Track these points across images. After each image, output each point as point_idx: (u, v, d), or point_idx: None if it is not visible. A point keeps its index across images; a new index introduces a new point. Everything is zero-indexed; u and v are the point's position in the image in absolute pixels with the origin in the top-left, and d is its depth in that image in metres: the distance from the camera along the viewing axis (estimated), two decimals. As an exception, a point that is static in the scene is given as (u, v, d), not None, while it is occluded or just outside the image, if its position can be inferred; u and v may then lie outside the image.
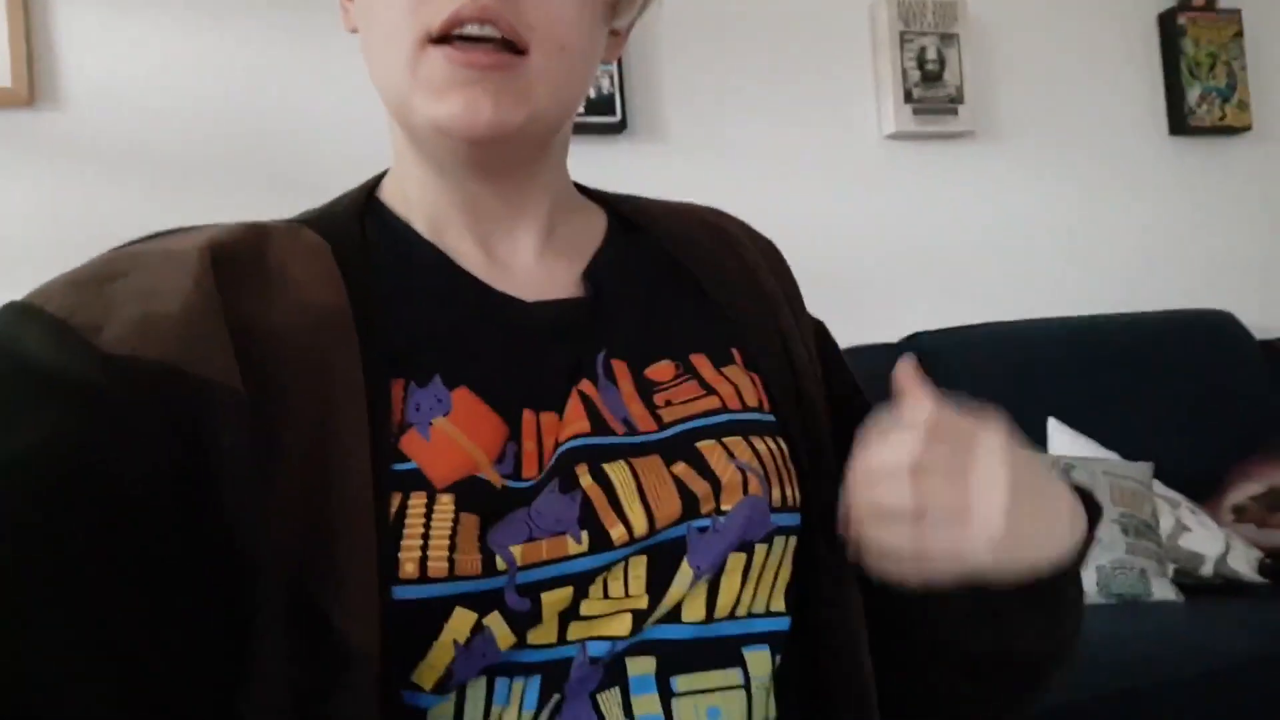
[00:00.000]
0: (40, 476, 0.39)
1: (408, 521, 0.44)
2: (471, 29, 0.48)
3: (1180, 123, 2.44)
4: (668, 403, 0.53)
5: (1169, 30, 2.45)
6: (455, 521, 0.45)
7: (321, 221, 0.54)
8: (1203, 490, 1.99)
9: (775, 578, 0.53)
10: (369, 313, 0.49)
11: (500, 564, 0.45)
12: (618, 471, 0.49)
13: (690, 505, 0.49)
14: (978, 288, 2.28)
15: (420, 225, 0.55)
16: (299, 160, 1.89)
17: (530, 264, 0.56)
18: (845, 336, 2.33)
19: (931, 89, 2.21)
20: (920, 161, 2.26)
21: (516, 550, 0.45)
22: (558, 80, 0.51)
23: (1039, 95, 2.36)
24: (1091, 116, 2.41)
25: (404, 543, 0.44)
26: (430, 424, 0.47)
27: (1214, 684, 1.31)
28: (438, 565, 0.44)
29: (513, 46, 0.49)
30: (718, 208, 0.67)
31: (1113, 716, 1.28)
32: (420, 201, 0.56)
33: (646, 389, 0.54)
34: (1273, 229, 2.55)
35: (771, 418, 0.55)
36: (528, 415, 0.50)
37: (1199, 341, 2.28)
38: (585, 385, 0.52)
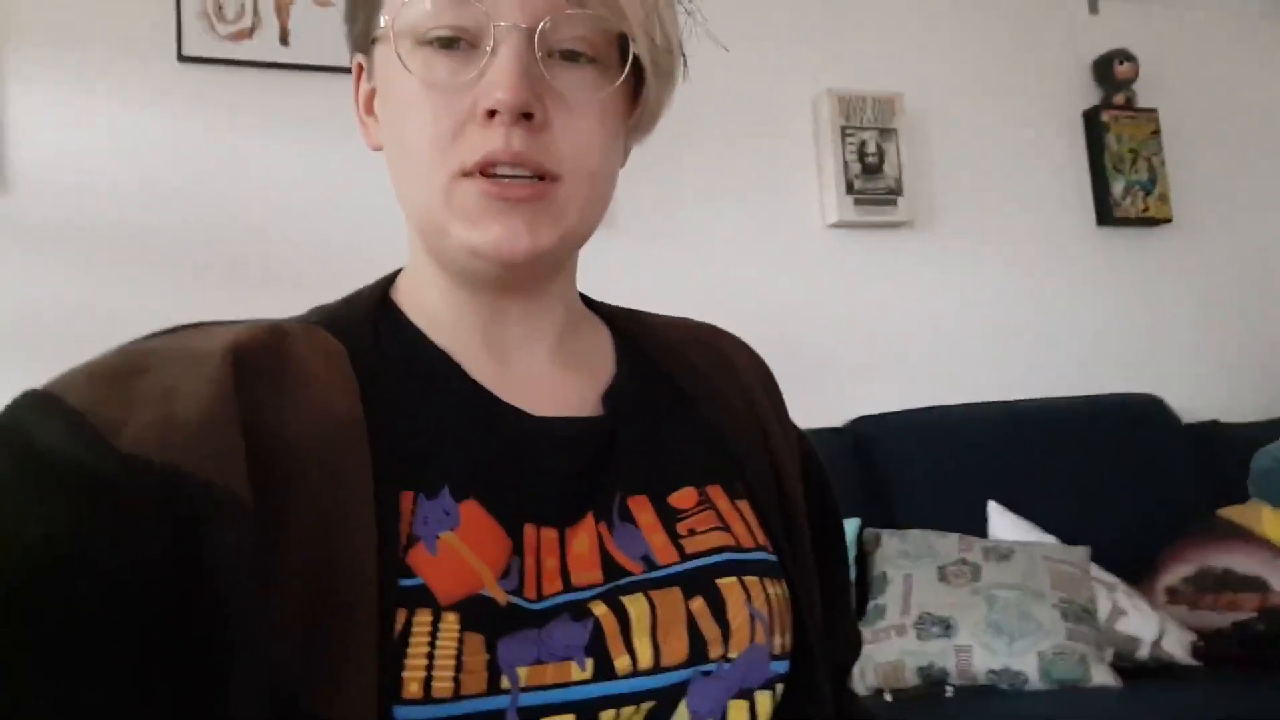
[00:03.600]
0: (44, 569, 0.40)
1: (412, 640, 0.44)
2: (504, 170, 0.50)
3: (1106, 214, 2.56)
4: (691, 531, 0.54)
5: (1093, 126, 2.58)
6: (460, 641, 0.45)
7: (336, 322, 0.54)
8: (1137, 572, 2.04)
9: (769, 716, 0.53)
10: (381, 421, 0.49)
11: (505, 684, 0.45)
12: (634, 604, 0.50)
13: (698, 649, 0.50)
14: (919, 372, 2.34)
15: (433, 332, 0.56)
16: (260, 246, 1.89)
17: (541, 377, 0.57)
18: (803, 417, 2.37)
19: (871, 180, 2.30)
20: (862, 250, 2.34)
21: (523, 671, 0.46)
22: (585, 203, 0.54)
23: (973, 187, 2.47)
24: (1023, 207, 2.52)
25: (408, 661, 0.44)
26: (437, 538, 0.48)
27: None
28: (443, 685, 0.44)
29: (541, 180, 0.51)
30: (714, 324, 0.69)
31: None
32: (436, 309, 0.56)
33: (670, 517, 0.54)
34: (1196, 315, 2.67)
35: (775, 559, 0.56)
36: (530, 530, 0.50)
37: (1129, 425, 2.36)
38: (599, 527, 0.52)
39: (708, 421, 0.60)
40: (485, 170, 0.50)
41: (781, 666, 0.54)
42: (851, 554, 1.82)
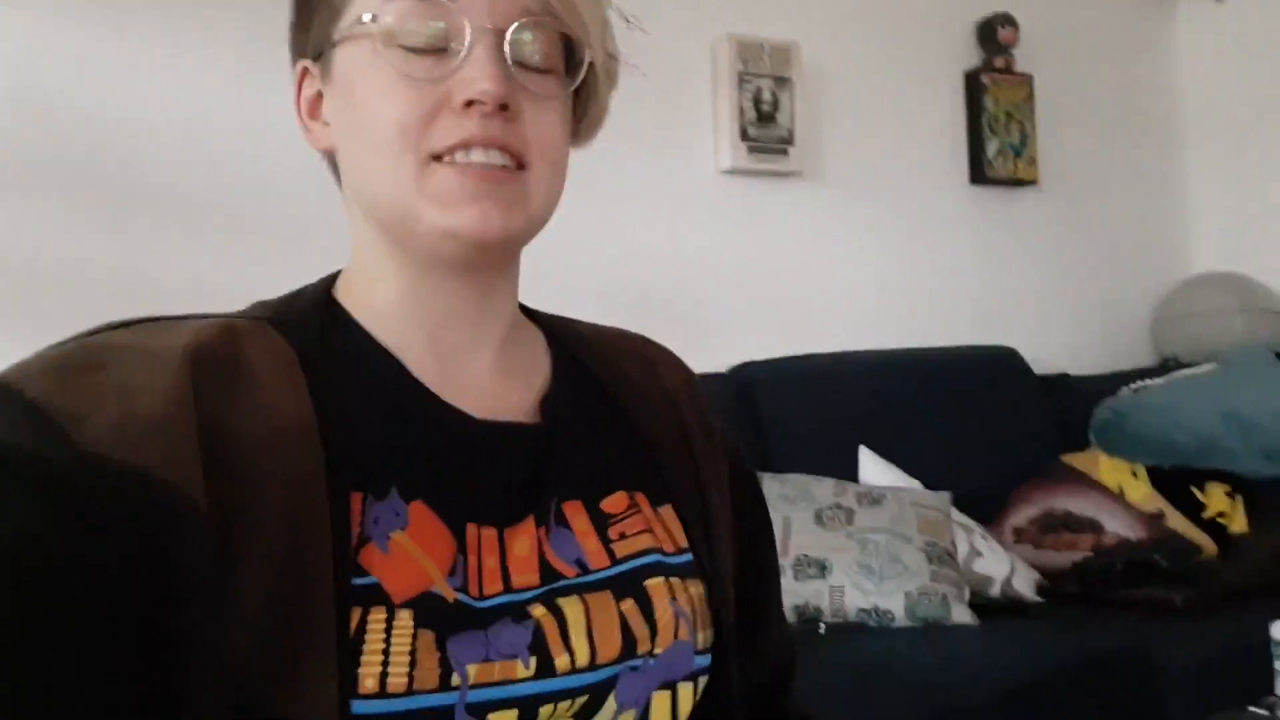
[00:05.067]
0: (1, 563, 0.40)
1: (368, 637, 0.47)
2: (476, 154, 0.53)
3: (980, 173, 2.67)
4: (621, 535, 0.58)
5: (973, 87, 2.68)
6: (414, 638, 0.48)
7: (283, 321, 0.55)
8: (990, 514, 2.20)
9: (692, 713, 0.58)
10: (332, 423, 0.50)
11: (455, 680, 0.48)
12: (570, 606, 0.54)
13: (629, 646, 0.55)
14: (802, 320, 2.41)
15: (380, 333, 0.58)
16: (118, 161, 1.75)
17: (484, 381, 0.59)
18: (688, 362, 2.38)
19: (765, 129, 2.32)
20: (752, 198, 2.36)
21: (472, 669, 0.49)
22: (547, 190, 0.57)
23: (859, 140, 2.52)
24: (904, 163, 2.60)
25: (364, 658, 0.46)
26: (388, 538, 0.50)
27: (1009, 705, 1.46)
28: (397, 681, 0.46)
29: (515, 166, 0.55)
30: (643, 335, 0.72)
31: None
32: (384, 309, 0.58)
33: (601, 521, 0.58)
34: (1052, 274, 2.84)
35: (690, 559, 0.61)
36: (473, 530, 0.53)
37: (988, 376, 2.51)
38: (537, 531, 0.56)
39: (636, 429, 0.63)
40: (456, 155, 0.53)
41: (704, 660, 0.58)
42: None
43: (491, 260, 0.58)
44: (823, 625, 1.73)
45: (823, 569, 1.78)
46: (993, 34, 2.67)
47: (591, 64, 0.57)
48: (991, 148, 2.68)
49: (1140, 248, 3.04)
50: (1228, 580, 1.89)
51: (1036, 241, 2.81)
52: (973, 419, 2.40)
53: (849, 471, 2.13)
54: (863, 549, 1.81)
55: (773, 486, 1.94)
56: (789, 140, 2.35)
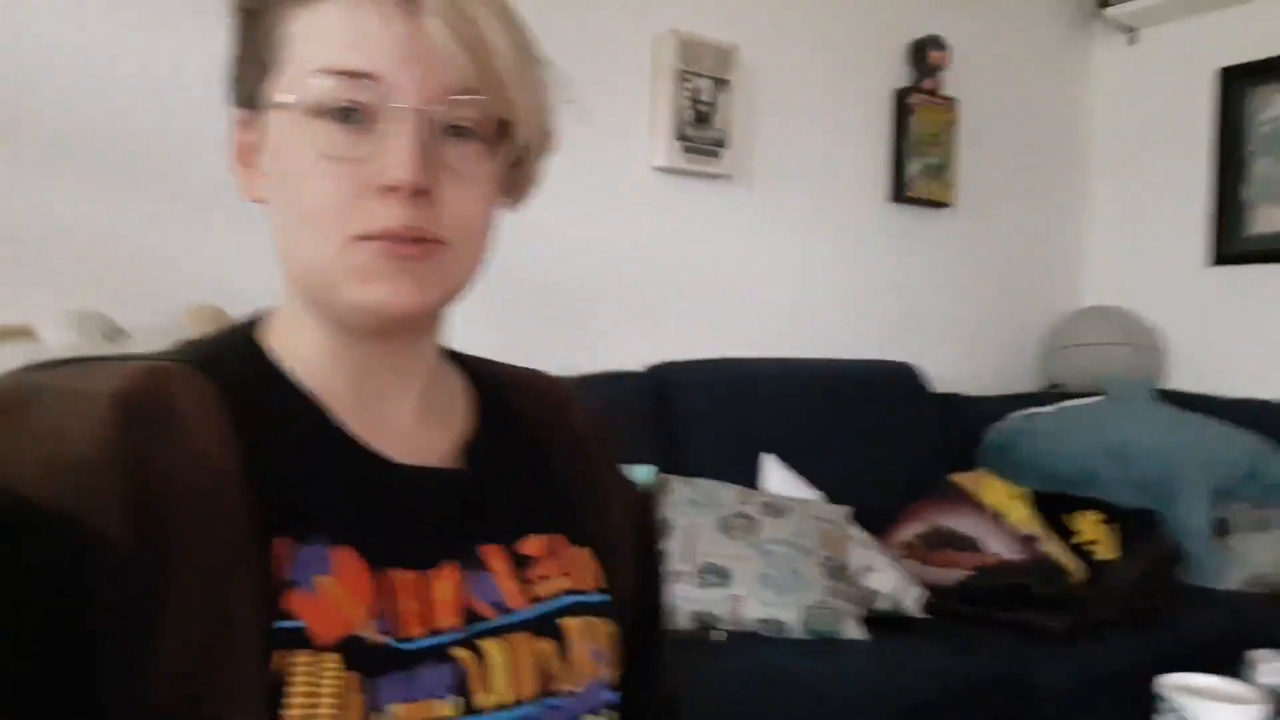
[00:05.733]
0: None
1: (295, 680, 0.48)
2: (399, 237, 0.54)
3: (900, 192, 2.73)
4: (540, 577, 0.61)
5: (901, 107, 2.73)
6: (339, 680, 0.49)
7: (209, 363, 0.56)
8: (880, 528, 2.27)
9: None
10: (257, 467, 0.52)
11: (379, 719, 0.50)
12: (491, 647, 0.56)
13: (547, 683, 0.58)
14: (722, 323, 2.42)
15: (304, 378, 0.59)
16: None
17: (407, 426, 0.61)
18: (600, 362, 2.39)
19: (701, 129, 2.31)
20: (682, 198, 2.36)
21: (397, 709, 0.51)
22: (467, 262, 0.58)
23: (789, 149, 2.54)
24: (830, 176, 2.63)
25: (291, 700, 0.47)
26: (314, 582, 0.51)
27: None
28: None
29: (433, 245, 0.55)
30: (552, 375, 0.74)
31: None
32: (309, 355, 0.59)
33: (520, 564, 0.61)
34: (957, 296, 2.94)
35: (608, 599, 0.64)
36: (397, 575, 0.55)
37: (888, 391, 2.58)
38: (458, 573, 0.58)
39: (554, 471, 0.66)
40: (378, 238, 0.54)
41: (613, 697, 0.62)
42: (644, 501, 1.89)
43: (402, 329, 0.60)
44: (723, 633, 1.75)
45: (725, 577, 1.80)
46: (923, 56, 2.73)
47: (520, 140, 0.58)
48: (913, 167, 2.74)
49: (1037, 276, 3.17)
50: (1098, 608, 2.00)
51: (945, 263, 2.90)
52: (871, 433, 2.47)
53: (752, 477, 2.17)
54: (765, 560, 1.84)
55: (683, 491, 1.95)
56: (723, 143, 2.35)
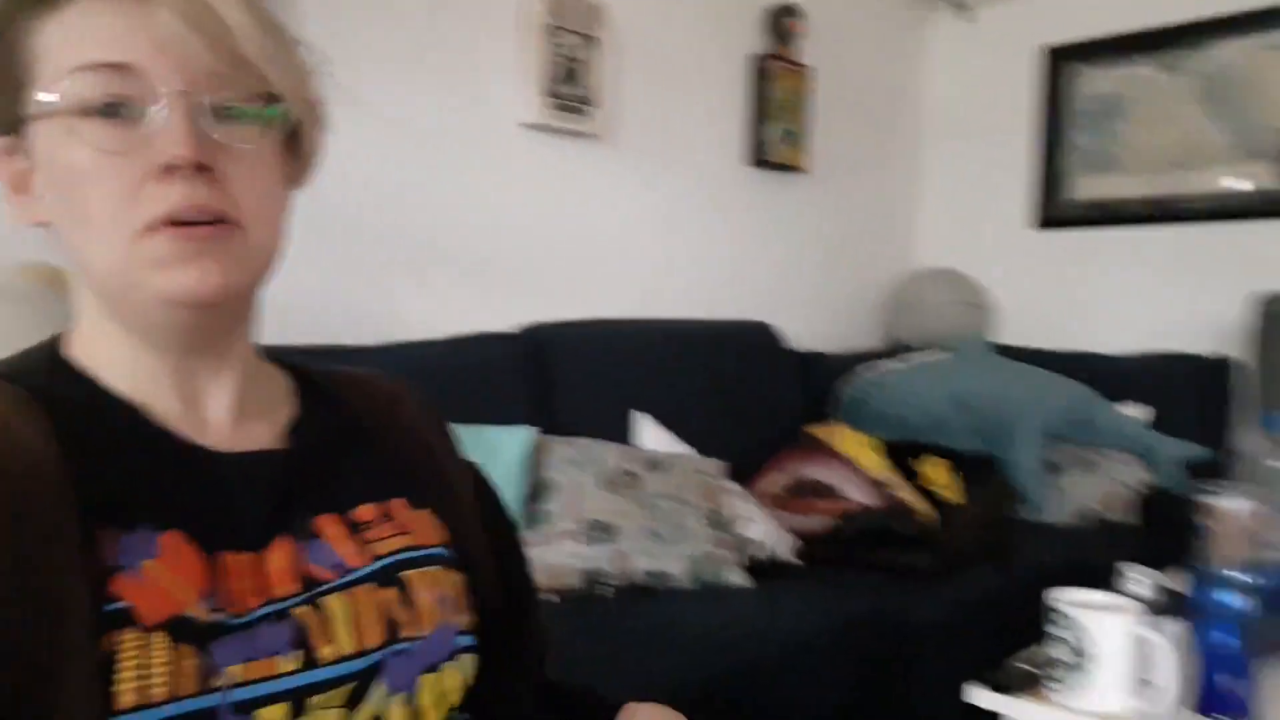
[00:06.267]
0: None
1: (123, 657, 0.49)
2: (186, 216, 0.54)
3: (758, 156, 2.80)
4: (378, 538, 0.63)
5: (759, 72, 2.79)
6: (170, 651, 0.50)
7: (16, 375, 0.57)
8: (746, 480, 2.34)
9: (472, 696, 0.64)
10: (78, 466, 0.52)
11: (216, 681, 0.51)
12: (332, 602, 0.58)
13: (393, 631, 0.59)
14: (593, 284, 2.42)
15: (117, 385, 0.59)
16: None
17: (227, 421, 0.62)
18: (472, 322, 2.33)
19: (569, 86, 2.28)
20: (550, 155, 2.33)
21: (235, 669, 0.52)
22: (266, 243, 0.59)
23: (655, 110, 2.55)
24: (692, 139, 2.67)
25: (120, 676, 0.48)
26: (140, 566, 0.52)
27: (786, 663, 1.58)
28: (158, 690, 0.49)
29: (225, 224, 0.56)
30: (385, 375, 0.76)
31: (707, 698, 1.47)
32: (119, 365, 0.59)
33: (356, 528, 0.63)
34: (811, 258, 3.05)
35: (452, 553, 0.67)
36: (232, 557, 0.56)
37: (747, 349, 2.66)
38: (292, 545, 0.59)
39: (383, 448, 0.69)
40: (169, 223, 0.54)
41: (466, 640, 0.64)
42: (529, 459, 1.87)
43: (221, 320, 0.60)
44: (610, 588, 1.77)
45: (611, 533, 1.82)
46: (780, 23, 2.79)
47: (290, 115, 0.59)
48: (770, 132, 2.81)
49: (880, 239, 3.33)
50: (953, 545, 2.15)
51: (799, 226, 3.00)
52: (733, 390, 2.54)
53: (625, 435, 2.19)
54: (650, 514, 1.86)
55: (563, 451, 1.94)
56: (592, 101, 2.33)
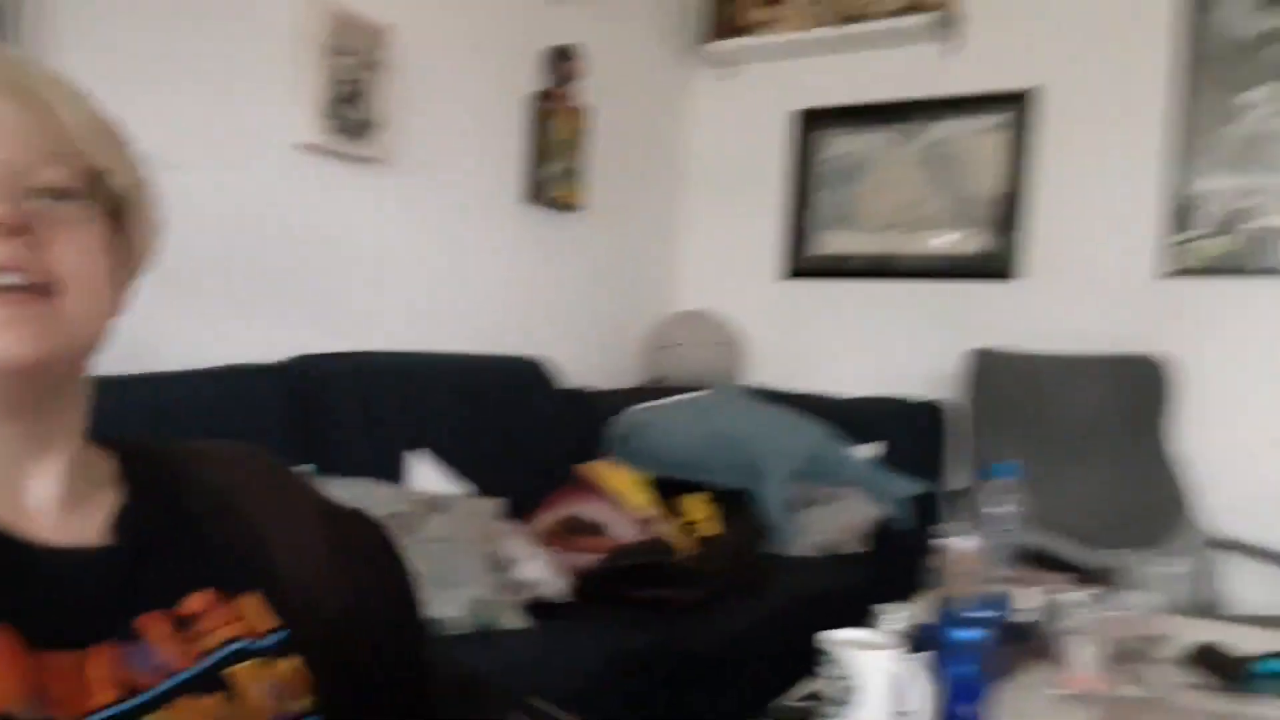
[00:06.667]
0: None
1: None
2: (4, 279, 0.53)
3: (534, 193, 2.84)
4: (204, 632, 0.61)
5: (538, 110, 2.83)
6: None
7: None
8: (519, 519, 2.35)
9: None
10: None
11: None
12: (152, 716, 0.56)
13: None
14: (362, 315, 2.33)
15: None
16: None
17: (54, 509, 0.60)
18: (238, 351, 2.20)
19: (350, 109, 2.21)
20: (326, 179, 2.23)
21: None
22: (88, 313, 0.58)
23: (435, 141, 2.52)
24: (473, 173, 2.66)
25: None
26: None
27: (568, 702, 1.60)
28: None
29: (44, 290, 0.55)
30: (220, 441, 0.74)
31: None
32: None
33: (182, 624, 0.61)
34: (585, 296, 3.12)
35: (286, 635, 0.65)
36: (53, 657, 0.54)
37: (520, 385, 2.67)
38: (113, 649, 0.57)
39: (216, 530, 0.67)
40: None
41: None
42: (297, 503, 1.77)
43: (40, 393, 0.59)
44: (385, 636, 1.71)
45: (386, 578, 1.76)
46: (560, 62, 2.85)
47: (113, 190, 0.60)
48: (547, 171, 2.85)
49: (647, 279, 3.47)
50: (710, 578, 2.26)
51: (572, 264, 3.06)
52: (507, 426, 2.54)
53: (399, 474, 2.13)
54: (426, 557, 1.82)
55: (334, 492, 1.86)
56: (373, 125, 2.26)
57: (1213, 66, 2.78)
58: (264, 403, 1.96)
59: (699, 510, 2.67)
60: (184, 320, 1.95)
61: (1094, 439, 2.82)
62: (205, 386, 1.88)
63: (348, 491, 1.87)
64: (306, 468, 1.82)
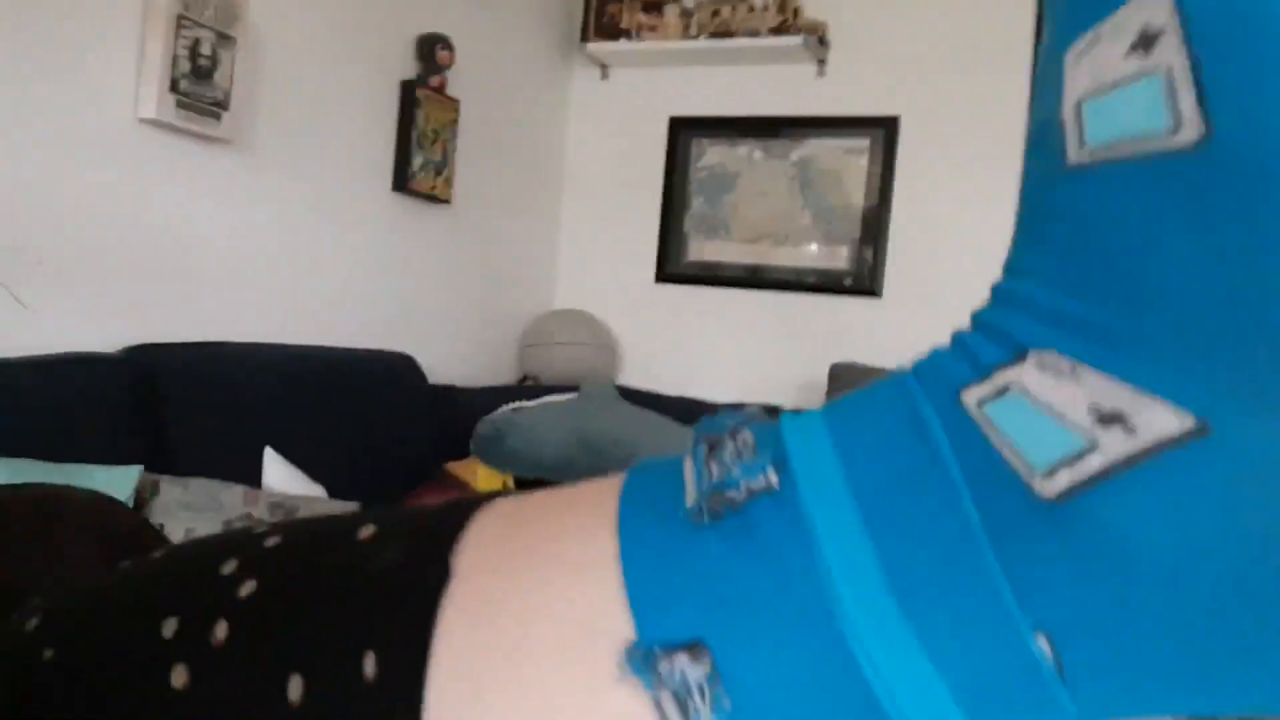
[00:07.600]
0: None
1: None
2: None
3: (402, 183, 2.73)
4: None
5: (408, 98, 2.72)
6: None
7: None
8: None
9: None
10: None
11: None
12: None
13: None
14: (210, 303, 2.18)
15: None
16: None
17: None
18: (63, 340, 2.02)
19: (199, 85, 2.06)
20: (171, 158, 2.08)
21: None
22: None
23: (296, 124, 2.39)
24: (336, 159, 2.53)
25: None
26: None
27: None
28: None
29: None
30: None
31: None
32: None
33: None
34: (452, 291, 3.02)
35: None
36: None
37: (386, 382, 2.57)
38: None
39: None
40: None
41: None
42: (131, 503, 1.63)
43: None
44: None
45: (229, 586, 1.64)
46: (431, 52, 2.75)
47: None
48: (417, 161, 2.75)
49: (520, 278, 3.39)
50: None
51: (442, 257, 2.96)
52: (371, 424, 2.43)
53: (253, 474, 2.00)
54: (274, 563, 1.71)
55: (175, 493, 1.73)
56: (223, 104, 2.12)
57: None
58: (98, 395, 1.81)
59: (567, 514, 2.62)
60: (10, 305, 1.77)
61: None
62: (31, 377, 1.71)
63: (189, 493, 1.74)
64: (135, 468, 1.67)
